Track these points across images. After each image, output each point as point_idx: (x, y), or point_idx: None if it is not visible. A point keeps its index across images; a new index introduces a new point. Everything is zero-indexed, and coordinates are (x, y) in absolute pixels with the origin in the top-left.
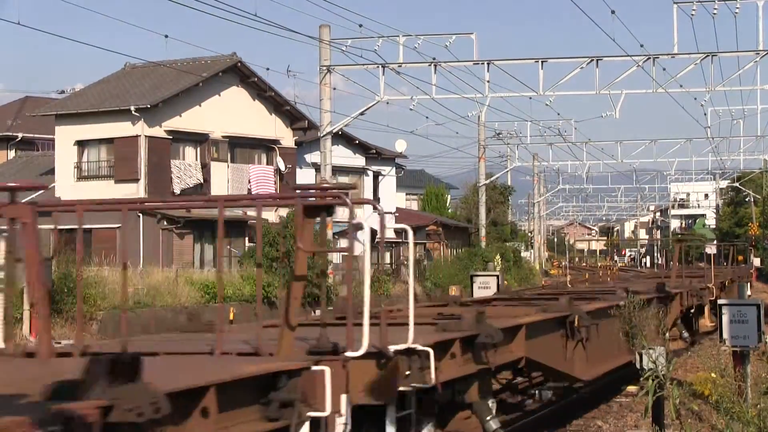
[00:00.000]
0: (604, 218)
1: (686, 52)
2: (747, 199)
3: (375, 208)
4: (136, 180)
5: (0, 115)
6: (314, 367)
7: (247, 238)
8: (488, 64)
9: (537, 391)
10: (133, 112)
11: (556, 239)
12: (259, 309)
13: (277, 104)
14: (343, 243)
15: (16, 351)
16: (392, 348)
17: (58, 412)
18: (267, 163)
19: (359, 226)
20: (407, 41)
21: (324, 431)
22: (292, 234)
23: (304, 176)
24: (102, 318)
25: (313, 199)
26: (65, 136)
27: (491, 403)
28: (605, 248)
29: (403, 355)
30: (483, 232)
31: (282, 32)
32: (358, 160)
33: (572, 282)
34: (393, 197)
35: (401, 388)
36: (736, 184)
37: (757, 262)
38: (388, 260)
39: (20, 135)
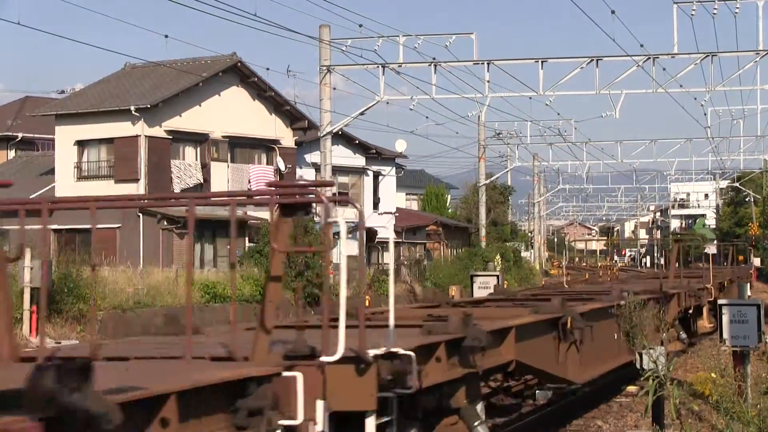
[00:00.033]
0: (604, 218)
1: (686, 52)
2: (747, 199)
3: (354, 206)
4: (136, 180)
5: (0, 115)
6: (286, 373)
7: (247, 239)
8: (488, 64)
9: (536, 391)
10: (133, 112)
11: (556, 239)
12: (233, 312)
13: (277, 104)
14: (343, 243)
15: None
16: (372, 352)
17: None
18: (267, 163)
19: (335, 224)
20: (407, 41)
21: None
22: (292, 234)
23: (305, 176)
24: (102, 318)
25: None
26: (65, 136)
27: (479, 408)
28: (605, 248)
29: (384, 360)
30: (483, 232)
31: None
32: (358, 160)
33: (571, 282)
34: (393, 197)
35: (382, 394)
36: (736, 184)
37: (757, 262)
38: (387, 260)
39: (20, 135)
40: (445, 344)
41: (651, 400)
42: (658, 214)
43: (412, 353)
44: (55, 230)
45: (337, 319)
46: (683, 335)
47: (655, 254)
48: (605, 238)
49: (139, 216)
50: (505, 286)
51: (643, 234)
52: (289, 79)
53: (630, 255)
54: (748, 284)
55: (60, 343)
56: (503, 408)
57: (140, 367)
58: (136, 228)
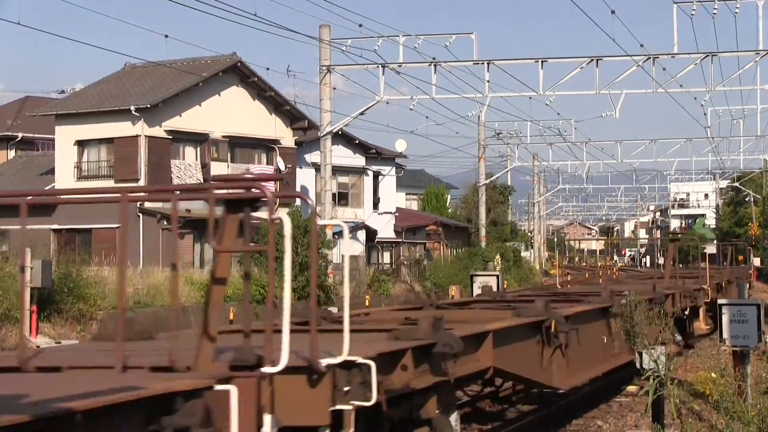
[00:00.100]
0: (604, 218)
1: (686, 52)
2: (747, 199)
3: (305, 200)
4: (136, 180)
5: (0, 115)
6: (219, 386)
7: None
8: (488, 64)
9: (535, 390)
10: (133, 112)
11: (556, 239)
12: (176, 315)
13: (277, 104)
14: (343, 243)
15: None
16: (325, 361)
17: None
18: (267, 163)
19: (278, 221)
20: (407, 41)
21: None
22: (292, 234)
23: (304, 176)
24: (102, 318)
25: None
26: (65, 136)
27: (454, 418)
28: (605, 248)
29: (343, 369)
30: (483, 231)
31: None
32: (358, 160)
33: (569, 282)
34: (393, 197)
35: (339, 407)
36: (736, 184)
37: (756, 262)
38: (387, 260)
39: (20, 135)
40: (413, 351)
41: (651, 399)
42: (658, 214)
43: (371, 362)
44: (54, 230)
45: (304, 323)
46: (678, 337)
47: (655, 254)
48: (604, 237)
49: (138, 216)
50: (506, 287)
51: (643, 234)
52: (289, 79)
53: (630, 255)
54: (748, 284)
55: (60, 342)
56: (489, 414)
57: (65, 378)
58: (136, 228)
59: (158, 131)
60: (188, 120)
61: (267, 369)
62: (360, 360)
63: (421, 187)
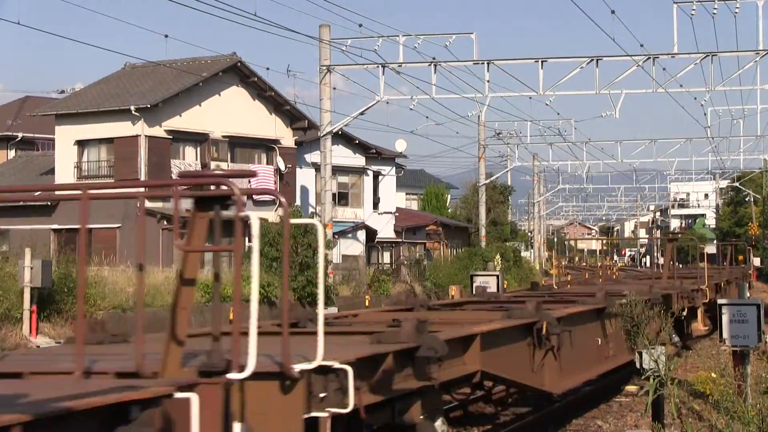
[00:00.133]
0: (604, 218)
1: (686, 52)
2: (747, 199)
3: (279, 200)
4: (137, 180)
5: (0, 115)
6: (178, 395)
7: (246, 239)
8: (488, 63)
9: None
10: (133, 112)
11: (555, 239)
12: (140, 321)
13: (277, 104)
14: (343, 243)
15: None
16: (299, 367)
17: None
18: (267, 163)
19: (246, 219)
20: (407, 41)
21: None
22: (292, 234)
23: (304, 176)
24: (102, 318)
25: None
26: (65, 135)
27: (439, 424)
28: (605, 248)
29: (319, 375)
30: (483, 231)
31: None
32: (358, 160)
33: (569, 282)
34: (393, 197)
35: (314, 414)
36: (736, 184)
37: (756, 261)
38: (387, 260)
39: (20, 135)
40: (395, 355)
41: (651, 399)
42: (658, 213)
43: (347, 367)
44: (54, 230)
45: (293, 325)
46: (675, 338)
47: (655, 254)
48: (605, 237)
49: (138, 215)
50: (506, 287)
51: (643, 234)
52: (289, 79)
53: (630, 255)
54: (747, 284)
55: (60, 342)
56: (483, 416)
57: (21, 386)
58: (136, 228)
59: (158, 131)
60: (188, 120)
61: (233, 375)
62: (336, 365)
63: (421, 187)
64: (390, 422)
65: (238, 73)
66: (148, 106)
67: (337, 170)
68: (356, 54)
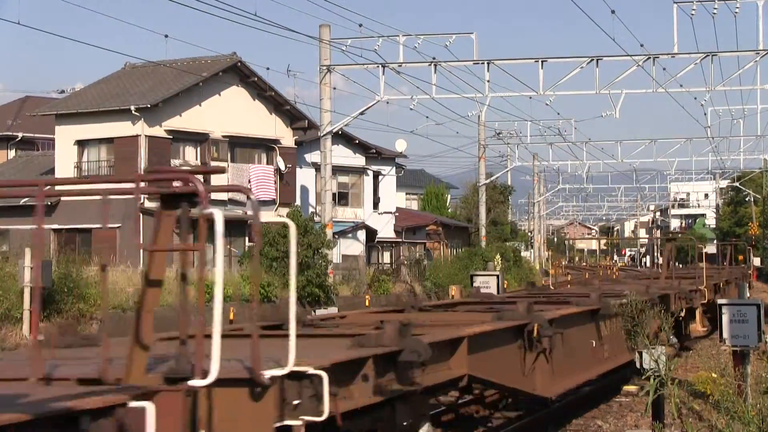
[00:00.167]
0: (604, 218)
1: (686, 51)
2: (747, 199)
3: (248, 197)
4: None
5: (0, 115)
6: (133, 403)
7: (246, 238)
8: (488, 63)
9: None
10: (133, 112)
11: (555, 239)
12: (104, 321)
13: (277, 104)
14: (343, 243)
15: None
16: (269, 373)
17: None
18: (267, 163)
19: (210, 217)
20: (407, 41)
21: None
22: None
23: (304, 176)
24: (102, 318)
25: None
26: (65, 135)
27: (425, 430)
28: (606, 248)
29: (293, 381)
30: (483, 231)
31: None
32: (358, 160)
33: (570, 282)
34: (393, 197)
35: (287, 422)
36: (736, 184)
37: (756, 261)
38: (387, 260)
39: (20, 135)
40: (376, 359)
41: (651, 399)
42: (658, 213)
43: (322, 373)
44: (54, 230)
45: (278, 327)
46: (673, 339)
47: (655, 254)
48: (605, 237)
49: (139, 215)
50: (506, 287)
51: (643, 234)
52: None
53: (630, 255)
54: (747, 284)
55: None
56: (475, 420)
57: None
58: (137, 228)
59: (158, 131)
60: (188, 120)
61: (195, 382)
62: (311, 371)
63: (421, 187)
64: (369, 430)
65: (238, 73)
66: (148, 106)
67: (337, 170)
68: (356, 54)
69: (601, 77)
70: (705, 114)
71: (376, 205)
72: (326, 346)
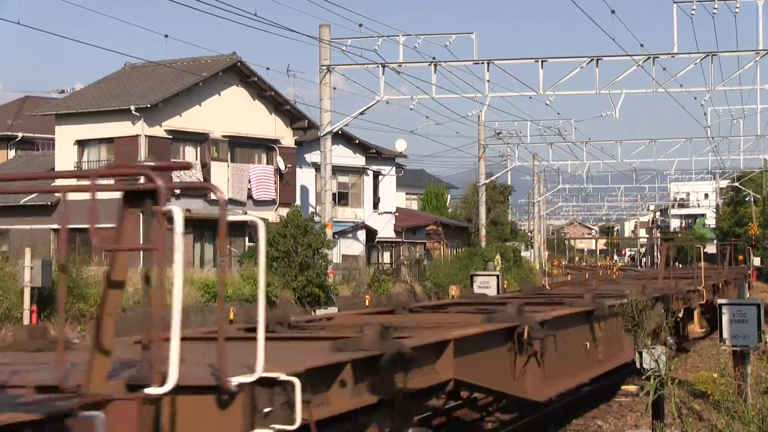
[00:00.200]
0: (604, 218)
1: (686, 51)
2: (747, 199)
3: (215, 192)
4: (137, 180)
5: (0, 115)
6: (84, 413)
7: (247, 238)
8: (488, 63)
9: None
10: (133, 112)
11: (555, 239)
12: (61, 326)
13: (277, 104)
14: (343, 243)
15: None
16: (237, 380)
17: None
18: (267, 163)
19: (169, 214)
20: (407, 41)
21: None
22: (292, 234)
23: (304, 176)
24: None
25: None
26: (65, 135)
27: None
28: (606, 248)
29: (264, 387)
30: (483, 231)
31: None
32: (358, 160)
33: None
34: (393, 197)
35: (257, 431)
36: (736, 184)
37: (756, 261)
38: (387, 260)
39: (20, 135)
40: (354, 364)
41: (651, 399)
42: (658, 213)
43: (294, 379)
44: (54, 230)
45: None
46: (670, 340)
47: (655, 254)
48: (605, 237)
49: (139, 215)
50: (506, 287)
51: (643, 234)
52: (289, 79)
53: (630, 255)
54: (747, 284)
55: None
56: (467, 423)
57: None
58: (136, 227)
59: (158, 131)
60: (188, 120)
61: (152, 390)
62: (282, 377)
63: (421, 187)
64: None
65: (238, 73)
66: (148, 105)
67: (337, 170)
68: (356, 54)
69: (601, 77)
70: (705, 114)
71: (376, 205)
72: (306, 350)
